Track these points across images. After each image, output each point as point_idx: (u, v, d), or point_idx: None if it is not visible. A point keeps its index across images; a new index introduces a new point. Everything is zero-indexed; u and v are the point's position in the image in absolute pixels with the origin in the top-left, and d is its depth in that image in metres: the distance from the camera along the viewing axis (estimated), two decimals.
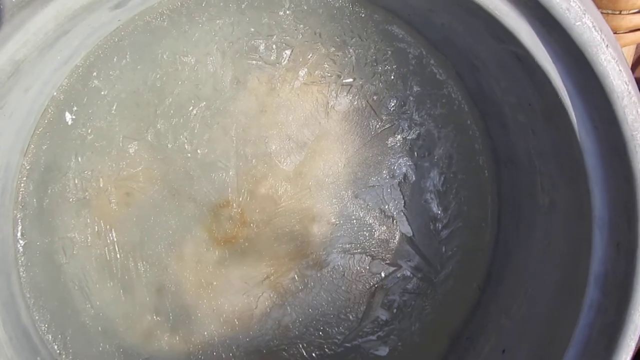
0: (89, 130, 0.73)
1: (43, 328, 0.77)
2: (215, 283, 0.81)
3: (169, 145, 0.75)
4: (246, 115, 0.77)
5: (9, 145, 0.64)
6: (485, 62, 0.71)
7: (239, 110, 0.77)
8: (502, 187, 0.85)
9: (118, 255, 0.77)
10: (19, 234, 0.74)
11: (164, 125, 0.75)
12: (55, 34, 0.50)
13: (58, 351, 0.78)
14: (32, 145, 0.72)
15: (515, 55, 0.64)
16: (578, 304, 0.68)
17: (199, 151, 0.76)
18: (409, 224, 0.85)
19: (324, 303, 0.84)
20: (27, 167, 0.72)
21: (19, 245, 0.74)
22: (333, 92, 0.79)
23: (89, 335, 0.79)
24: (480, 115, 0.82)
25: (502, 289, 0.85)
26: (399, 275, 0.86)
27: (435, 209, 0.85)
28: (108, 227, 0.76)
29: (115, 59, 0.72)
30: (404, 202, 0.84)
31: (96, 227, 0.76)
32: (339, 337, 0.86)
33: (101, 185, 0.75)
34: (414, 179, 0.84)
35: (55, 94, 0.71)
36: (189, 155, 0.76)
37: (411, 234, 0.85)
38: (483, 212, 0.86)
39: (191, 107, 0.75)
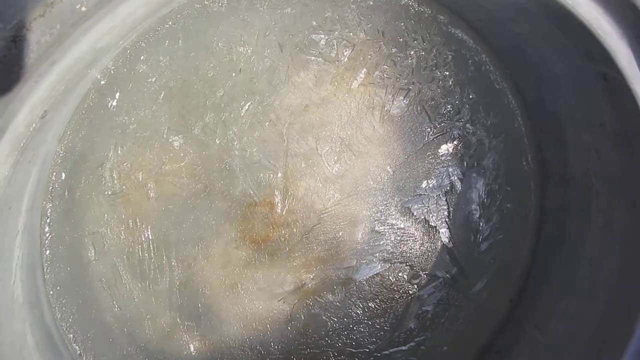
0: (132, 119, 0.67)
1: (64, 327, 0.71)
2: (250, 287, 0.76)
3: (217, 141, 0.70)
4: (299, 114, 0.72)
5: (53, 132, 0.58)
6: (558, 76, 0.68)
7: (293, 108, 0.72)
8: (547, 202, 0.83)
9: (152, 254, 0.72)
10: (46, 227, 0.67)
11: (212, 119, 0.69)
12: (141, 20, 0.45)
13: (79, 352, 0.72)
14: (69, 132, 0.65)
15: (601, 75, 0.61)
16: (629, 328, 0.67)
17: (247, 149, 0.71)
18: (451, 235, 0.82)
19: (359, 312, 0.81)
20: (61, 155, 0.66)
21: (44, 239, 0.68)
22: (390, 95, 0.75)
23: (113, 336, 0.74)
24: (532, 128, 0.80)
25: (537, 304, 0.84)
26: (435, 286, 0.83)
27: (478, 220, 0.83)
28: (144, 224, 0.70)
29: (166, 43, 0.66)
30: (449, 213, 0.81)
31: (130, 223, 0.70)
32: (370, 347, 0.83)
33: (140, 180, 0.69)
34: (460, 189, 0.81)
35: (98, 76, 0.64)
36: (237, 152, 0.71)
37: (451, 245, 0.83)
38: (524, 226, 0.84)
39: (243, 102, 0.70)
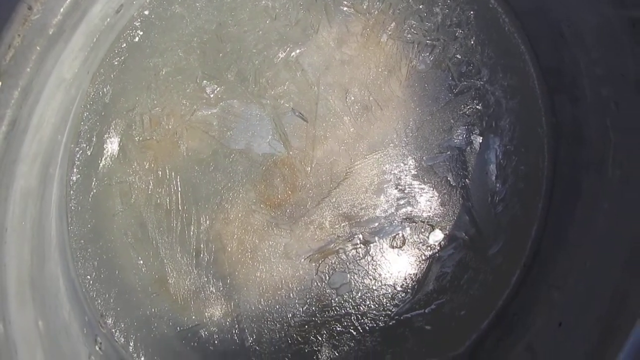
0: (165, 62, 0.66)
1: (87, 285, 0.67)
2: (278, 247, 0.75)
3: (249, 88, 0.69)
4: (330, 65, 0.72)
5: (95, 66, 0.55)
6: (582, 32, 0.71)
7: (324, 60, 0.72)
8: (560, 164, 0.85)
9: (179, 207, 0.69)
10: (72, 175, 0.64)
11: (246, 65, 0.68)
12: None
13: (101, 311, 0.68)
14: (102, 70, 0.63)
15: (630, 22, 0.64)
16: None
17: (278, 99, 0.70)
18: (470, 195, 0.83)
19: (382, 273, 0.81)
20: (92, 95, 0.63)
21: (70, 189, 0.65)
22: (416, 51, 0.76)
23: (136, 296, 0.70)
24: (548, 90, 0.83)
25: (552, 264, 0.85)
26: (454, 246, 0.84)
27: (495, 181, 0.84)
28: (173, 174, 0.68)
29: None
30: (468, 172, 0.82)
31: (160, 173, 0.68)
32: (392, 310, 0.82)
33: (171, 126, 0.67)
34: (479, 149, 0.82)
35: (134, 14, 0.62)
36: (269, 102, 0.70)
37: (470, 206, 0.84)
38: (537, 187, 0.86)
39: (277, 48, 0.69)
